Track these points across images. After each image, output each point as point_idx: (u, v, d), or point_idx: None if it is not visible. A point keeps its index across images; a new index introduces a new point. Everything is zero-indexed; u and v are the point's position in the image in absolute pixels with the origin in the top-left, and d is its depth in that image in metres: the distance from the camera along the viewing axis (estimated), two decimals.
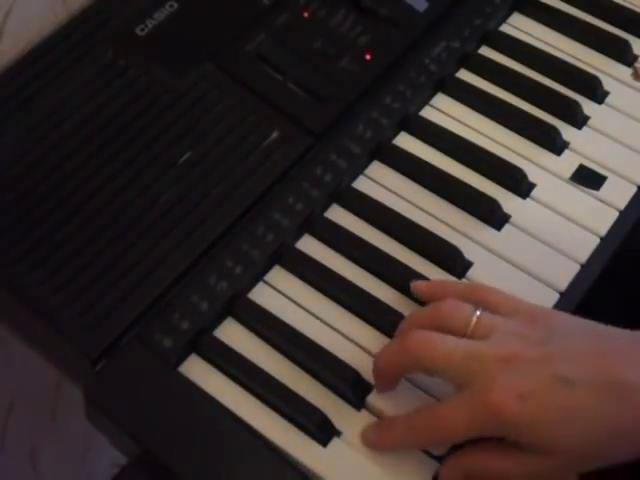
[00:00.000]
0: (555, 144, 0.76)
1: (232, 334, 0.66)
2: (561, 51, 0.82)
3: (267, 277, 0.68)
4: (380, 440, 0.62)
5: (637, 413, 0.57)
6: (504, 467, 0.59)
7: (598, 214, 0.73)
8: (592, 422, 0.57)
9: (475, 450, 0.60)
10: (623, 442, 0.58)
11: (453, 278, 0.69)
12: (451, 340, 0.59)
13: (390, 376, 0.63)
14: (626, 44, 0.82)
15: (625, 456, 0.59)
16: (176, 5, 0.78)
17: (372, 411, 0.63)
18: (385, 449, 0.62)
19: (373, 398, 0.63)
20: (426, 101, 0.78)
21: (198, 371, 0.64)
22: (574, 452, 0.58)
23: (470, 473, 0.60)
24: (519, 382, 0.57)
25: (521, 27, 0.83)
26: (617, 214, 0.73)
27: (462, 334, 0.60)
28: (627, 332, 0.60)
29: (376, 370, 0.63)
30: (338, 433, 0.62)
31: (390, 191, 0.73)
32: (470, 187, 0.73)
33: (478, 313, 0.60)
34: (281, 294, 0.68)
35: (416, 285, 0.67)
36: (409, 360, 0.60)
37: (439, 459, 0.61)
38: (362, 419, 0.63)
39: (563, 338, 0.60)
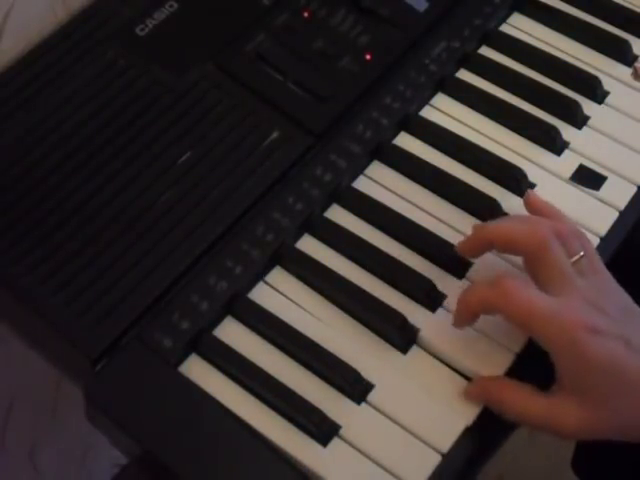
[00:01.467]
0: (555, 144, 0.76)
1: (232, 334, 0.66)
2: (561, 51, 0.82)
3: (267, 277, 0.68)
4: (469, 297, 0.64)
5: None
6: (533, 405, 0.62)
7: (598, 214, 0.73)
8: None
9: (507, 382, 0.63)
10: None
11: (454, 278, 0.69)
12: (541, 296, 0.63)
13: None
14: (626, 44, 0.82)
15: None
16: (176, 5, 0.78)
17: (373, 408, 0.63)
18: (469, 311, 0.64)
19: (374, 396, 0.64)
20: (426, 101, 0.78)
21: (198, 371, 0.64)
22: (610, 412, 0.60)
23: (490, 400, 0.63)
24: (596, 318, 0.61)
25: (521, 27, 0.83)
26: (617, 214, 0.73)
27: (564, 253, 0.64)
28: None
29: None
30: (338, 430, 0.62)
31: (390, 191, 0.73)
32: (470, 187, 0.73)
33: (582, 253, 0.64)
34: (281, 294, 0.68)
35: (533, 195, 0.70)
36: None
37: (441, 457, 0.62)
38: (362, 416, 0.63)
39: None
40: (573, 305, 0.61)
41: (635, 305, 0.65)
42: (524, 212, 0.71)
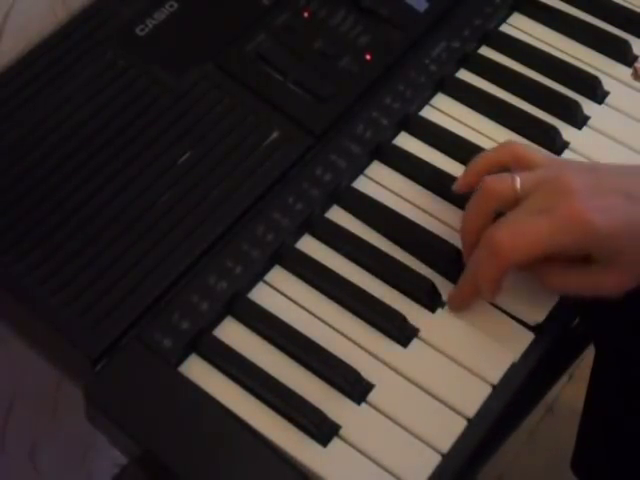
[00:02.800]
0: (555, 144, 0.76)
1: (232, 334, 0.66)
2: (561, 51, 0.82)
3: (267, 277, 0.69)
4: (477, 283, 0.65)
5: None
6: (583, 280, 0.63)
7: None
8: None
9: (551, 267, 0.64)
10: None
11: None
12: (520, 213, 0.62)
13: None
14: (626, 44, 0.82)
15: None
16: (176, 5, 0.78)
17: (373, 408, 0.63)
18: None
19: (374, 396, 0.64)
20: (426, 101, 0.78)
21: (198, 371, 0.64)
22: (637, 264, 0.62)
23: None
24: (595, 200, 0.61)
25: (521, 27, 0.83)
26: None
27: (514, 202, 0.63)
28: None
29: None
30: (338, 430, 0.62)
31: (390, 191, 0.73)
32: None
33: (518, 178, 0.63)
34: (281, 294, 0.68)
35: (457, 185, 0.69)
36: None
37: (441, 457, 0.62)
38: (362, 416, 0.63)
39: (607, 169, 0.65)
40: (577, 201, 0.61)
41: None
42: None
